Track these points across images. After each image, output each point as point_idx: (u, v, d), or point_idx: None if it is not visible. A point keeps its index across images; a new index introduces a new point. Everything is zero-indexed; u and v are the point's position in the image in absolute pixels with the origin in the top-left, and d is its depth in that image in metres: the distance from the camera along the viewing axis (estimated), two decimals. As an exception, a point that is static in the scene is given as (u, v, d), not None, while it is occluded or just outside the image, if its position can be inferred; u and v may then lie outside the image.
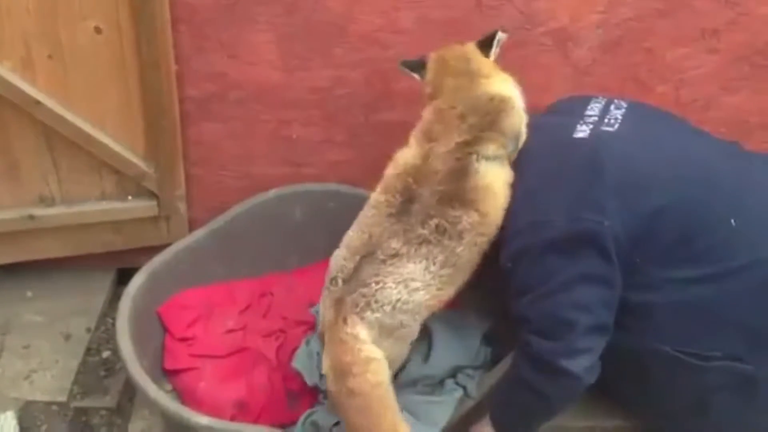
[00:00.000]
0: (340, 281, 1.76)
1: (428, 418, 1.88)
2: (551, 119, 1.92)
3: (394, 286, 1.73)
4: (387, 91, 2.21)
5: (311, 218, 2.34)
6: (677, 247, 1.67)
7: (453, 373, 2.01)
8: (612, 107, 1.84)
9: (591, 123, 1.80)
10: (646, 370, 1.78)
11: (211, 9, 2.05)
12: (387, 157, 2.31)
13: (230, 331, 2.22)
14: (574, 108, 1.89)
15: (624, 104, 1.86)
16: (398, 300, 1.72)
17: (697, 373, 1.70)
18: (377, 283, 1.72)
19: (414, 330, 1.80)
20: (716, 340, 1.68)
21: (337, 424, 1.93)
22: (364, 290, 1.72)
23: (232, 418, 1.96)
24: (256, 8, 2.06)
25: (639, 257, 1.67)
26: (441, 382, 2.00)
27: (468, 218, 1.75)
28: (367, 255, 1.75)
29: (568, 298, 1.66)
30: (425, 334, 2.03)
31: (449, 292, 1.82)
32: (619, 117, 1.81)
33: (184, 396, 2.08)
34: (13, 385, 2.18)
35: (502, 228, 1.80)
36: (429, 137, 1.83)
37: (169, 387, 2.12)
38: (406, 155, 1.85)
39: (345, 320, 1.71)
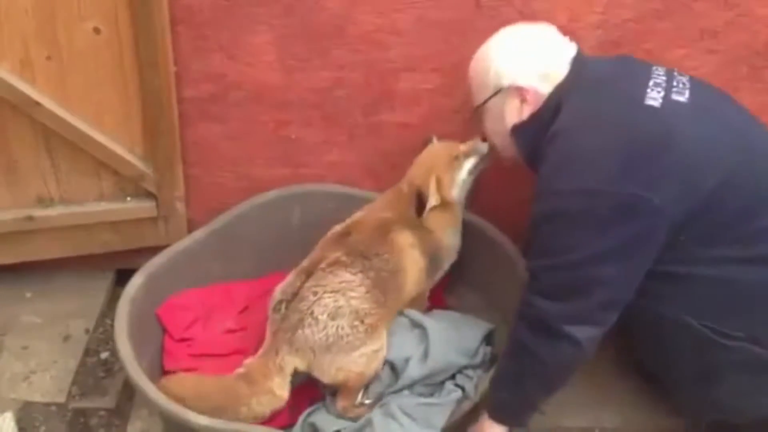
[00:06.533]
0: (283, 306, 1.92)
1: (426, 421, 1.88)
2: (613, 71, 1.80)
3: (330, 295, 1.90)
4: (386, 92, 2.21)
5: (310, 219, 2.34)
6: (724, 228, 1.65)
7: (453, 373, 2.01)
8: (675, 72, 1.76)
9: (661, 88, 1.69)
10: (664, 336, 1.78)
11: (210, 10, 2.05)
12: (386, 158, 2.33)
13: (229, 331, 2.22)
14: (638, 65, 1.81)
15: (684, 73, 1.78)
16: (335, 306, 1.89)
17: (714, 349, 1.70)
18: (315, 294, 1.90)
19: (359, 340, 1.89)
20: (741, 320, 1.69)
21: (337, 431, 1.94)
22: (301, 305, 1.89)
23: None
24: (255, 9, 2.06)
25: (684, 235, 1.63)
26: (442, 383, 2.00)
27: (392, 257, 2.00)
28: (313, 271, 1.95)
29: (591, 272, 1.63)
30: (423, 334, 2.03)
31: (388, 310, 1.99)
32: (687, 83, 1.73)
33: (183, 397, 2.07)
34: (11, 385, 2.18)
35: (541, 178, 1.74)
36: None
37: (168, 388, 2.12)
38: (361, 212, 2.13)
39: (277, 352, 1.89)
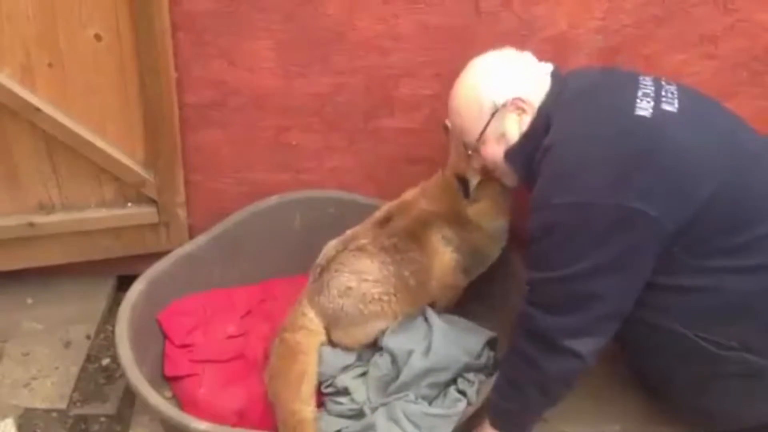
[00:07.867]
0: (318, 270, 2.06)
1: (430, 430, 1.87)
2: (598, 83, 1.80)
3: (348, 274, 2.02)
4: (386, 98, 2.21)
5: (311, 224, 2.34)
6: (717, 238, 1.63)
7: (455, 375, 2.01)
8: (662, 82, 1.75)
9: (650, 98, 1.67)
10: (659, 346, 1.78)
11: (211, 16, 2.05)
12: (386, 163, 2.33)
13: (231, 336, 2.22)
14: (624, 76, 1.80)
15: (671, 82, 1.77)
16: (347, 287, 2.01)
17: (708, 359, 1.70)
18: (337, 270, 2.03)
19: (362, 319, 2.01)
20: (735, 330, 1.68)
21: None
22: (326, 275, 2.04)
23: (233, 425, 1.96)
24: (256, 15, 2.06)
25: (677, 246, 1.62)
26: (446, 386, 2.00)
27: (419, 257, 2.05)
28: (344, 248, 2.05)
29: (588, 286, 1.62)
30: (428, 331, 2.05)
31: (403, 303, 2.04)
32: (675, 92, 1.71)
33: (184, 402, 2.07)
34: (12, 392, 2.18)
35: (535, 193, 1.72)
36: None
37: (169, 394, 2.12)
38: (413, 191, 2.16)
39: (301, 301, 2.08)
